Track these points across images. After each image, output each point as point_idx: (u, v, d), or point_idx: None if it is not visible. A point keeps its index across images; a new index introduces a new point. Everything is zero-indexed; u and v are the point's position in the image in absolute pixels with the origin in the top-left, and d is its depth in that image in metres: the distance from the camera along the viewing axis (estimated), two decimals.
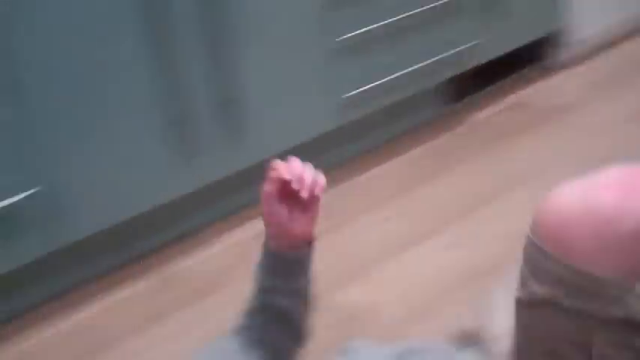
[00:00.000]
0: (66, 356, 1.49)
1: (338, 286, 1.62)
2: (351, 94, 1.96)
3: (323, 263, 1.68)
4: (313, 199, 0.98)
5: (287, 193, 0.98)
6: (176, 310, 1.59)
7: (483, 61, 2.28)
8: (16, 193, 1.44)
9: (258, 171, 1.89)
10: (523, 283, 0.76)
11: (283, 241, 1.01)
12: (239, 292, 1.59)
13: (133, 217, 1.66)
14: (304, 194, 0.95)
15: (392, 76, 2.02)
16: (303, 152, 1.97)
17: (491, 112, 2.36)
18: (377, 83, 1.99)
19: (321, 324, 1.49)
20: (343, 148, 2.14)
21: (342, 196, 1.98)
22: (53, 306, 1.63)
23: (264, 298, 1.04)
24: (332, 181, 2.03)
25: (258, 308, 1.04)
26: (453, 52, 2.15)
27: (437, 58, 2.11)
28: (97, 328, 1.56)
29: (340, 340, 1.43)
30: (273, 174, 0.98)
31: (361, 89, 1.97)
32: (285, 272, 1.03)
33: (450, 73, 2.22)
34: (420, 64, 2.08)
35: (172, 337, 1.52)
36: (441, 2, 2.07)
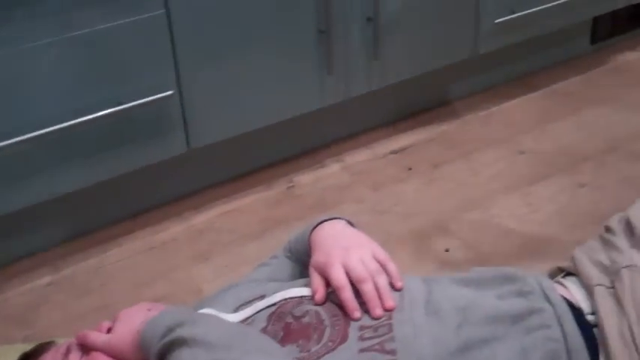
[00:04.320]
0: (187, 252, 1.57)
1: (458, 212, 1.61)
2: (502, 19, 1.90)
3: (445, 190, 1.70)
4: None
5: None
6: (292, 221, 1.63)
7: (635, 1, 2.15)
8: (154, 94, 1.50)
9: (389, 94, 1.92)
10: None
11: None
12: (350, 212, 1.63)
13: (262, 127, 1.70)
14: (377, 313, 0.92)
15: (545, 6, 1.95)
16: (438, 77, 1.97)
17: (637, 56, 2.24)
18: (529, 11, 1.92)
19: (431, 248, 1.51)
20: (482, 77, 2.09)
21: (475, 125, 1.96)
22: (182, 204, 1.71)
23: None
24: (466, 108, 2.03)
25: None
26: None
27: None
28: (217, 230, 1.63)
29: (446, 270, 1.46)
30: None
31: (513, 16, 1.90)
32: None
33: (601, 10, 2.11)
34: None
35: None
36: None
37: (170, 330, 0.83)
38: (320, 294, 0.95)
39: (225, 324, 0.88)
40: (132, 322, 0.92)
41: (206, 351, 0.80)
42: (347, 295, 0.92)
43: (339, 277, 0.93)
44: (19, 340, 1.33)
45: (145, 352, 0.87)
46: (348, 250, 0.97)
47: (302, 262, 1.12)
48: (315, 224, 1.06)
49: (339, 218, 1.07)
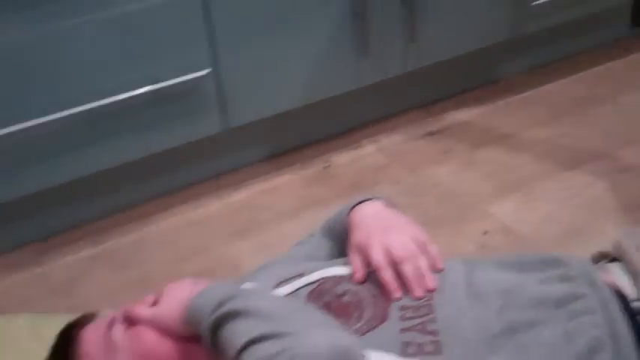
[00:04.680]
0: (225, 228, 1.58)
1: (496, 196, 1.61)
2: (540, 2, 1.87)
3: (483, 173, 1.69)
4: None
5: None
6: (328, 201, 1.64)
7: None
8: (190, 73, 1.51)
9: (426, 74, 1.91)
10: None
11: None
12: (386, 193, 1.63)
13: (299, 107, 1.71)
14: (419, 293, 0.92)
15: None
16: (477, 59, 1.95)
17: None
18: None
19: (469, 231, 1.51)
20: (522, 59, 2.07)
21: (514, 107, 1.94)
22: (220, 182, 1.73)
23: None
24: (506, 91, 2.01)
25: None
26: None
27: None
28: (254, 208, 1.64)
29: (484, 251, 1.45)
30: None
31: None
32: None
33: None
34: None
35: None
36: None
37: (221, 304, 0.83)
38: (360, 274, 0.96)
39: (279, 297, 0.88)
40: (178, 295, 0.92)
41: (263, 322, 0.78)
42: (388, 276, 0.93)
43: (380, 258, 0.94)
44: (62, 310, 1.35)
45: (193, 326, 0.87)
46: (389, 230, 0.97)
47: (340, 241, 1.12)
48: (353, 204, 1.06)
49: (378, 198, 1.07)
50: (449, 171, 1.72)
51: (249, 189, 1.70)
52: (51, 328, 1.09)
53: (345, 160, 1.79)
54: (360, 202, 1.06)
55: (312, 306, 0.88)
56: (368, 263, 0.96)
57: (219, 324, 0.82)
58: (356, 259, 0.97)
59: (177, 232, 1.58)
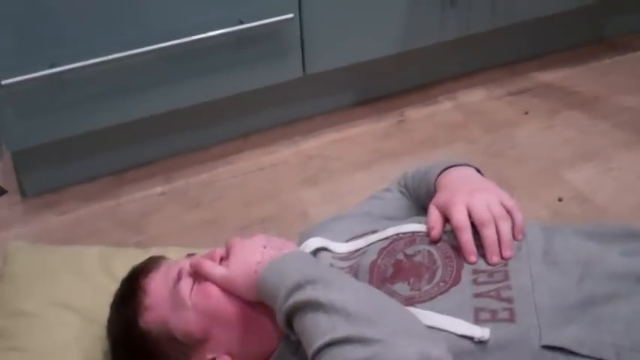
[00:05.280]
0: (295, 175, 1.58)
1: (575, 162, 1.56)
2: None
3: (563, 138, 1.63)
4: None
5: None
6: (401, 155, 1.62)
7: None
8: (275, 16, 1.49)
9: (509, 32, 1.84)
10: None
11: None
12: (461, 152, 1.59)
13: (378, 58, 1.68)
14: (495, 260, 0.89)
15: None
16: (565, 19, 1.87)
17: None
18: None
19: (543, 196, 1.47)
20: (610, 25, 1.99)
21: (597, 73, 1.87)
22: (293, 129, 1.72)
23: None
24: (590, 55, 1.93)
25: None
26: None
27: None
28: (326, 157, 1.63)
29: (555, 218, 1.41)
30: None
31: None
32: None
33: None
34: None
35: (391, 178, 1.54)
36: None
37: (300, 286, 0.79)
38: (436, 231, 0.93)
39: (362, 289, 0.82)
40: (248, 259, 0.89)
41: (346, 322, 0.74)
42: (466, 237, 0.90)
43: (461, 217, 0.90)
44: (131, 244, 1.38)
45: (265, 299, 0.85)
46: (474, 192, 0.94)
47: (419, 201, 1.10)
48: (442, 167, 1.03)
49: (469, 165, 1.04)
50: (527, 133, 1.67)
51: (321, 138, 1.69)
52: (121, 264, 1.11)
53: (420, 115, 1.76)
54: (449, 167, 1.03)
55: (397, 303, 0.82)
56: (445, 222, 0.94)
57: (297, 309, 0.79)
58: (435, 216, 0.94)
59: (248, 175, 1.59)
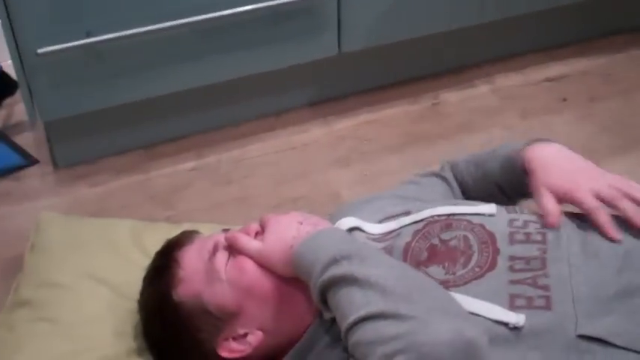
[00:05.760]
0: (327, 156, 1.57)
1: (612, 152, 1.53)
2: None
3: (600, 127, 1.60)
4: None
5: None
6: (435, 138, 1.60)
7: None
8: None
9: (550, 17, 1.80)
10: None
11: None
12: (497, 137, 1.57)
13: (415, 38, 1.65)
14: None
15: None
16: (604, 6, 1.83)
17: None
18: None
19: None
20: None
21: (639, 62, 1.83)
22: (326, 108, 1.70)
23: None
24: (633, 44, 1.88)
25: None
26: None
27: None
28: (359, 138, 1.62)
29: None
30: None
31: None
32: None
33: None
34: None
35: (424, 162, 1.52)
36: None
37: (335, 261, 0.79)
38: (555, 218, 0.90)
39: (398, 266, 0.82)
40: (283, 235, 0.88)
41: (381, 297, 0.74)
42: (604, 218, 0.89)
43: (592, 201, 0.90)
44: (162, 219, 1.37)
45: (300, 275, 0.85)
46: (588, 171, 0.94)
47: (476, 181, 1.10)
48: (524, 143, 1.02)
49: (549, 140, 1.02)
50: (564, 121, 1.64)
51: (355, 118, 1.67)
52: (152, 239, 1.11)
53: (456, 98, 1.73)
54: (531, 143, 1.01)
55: (434, 282, 0.82)
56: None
57: (332, 284, 0.78)
58: (550, 201, 0.92)
59: (280, 154, 1.58)
